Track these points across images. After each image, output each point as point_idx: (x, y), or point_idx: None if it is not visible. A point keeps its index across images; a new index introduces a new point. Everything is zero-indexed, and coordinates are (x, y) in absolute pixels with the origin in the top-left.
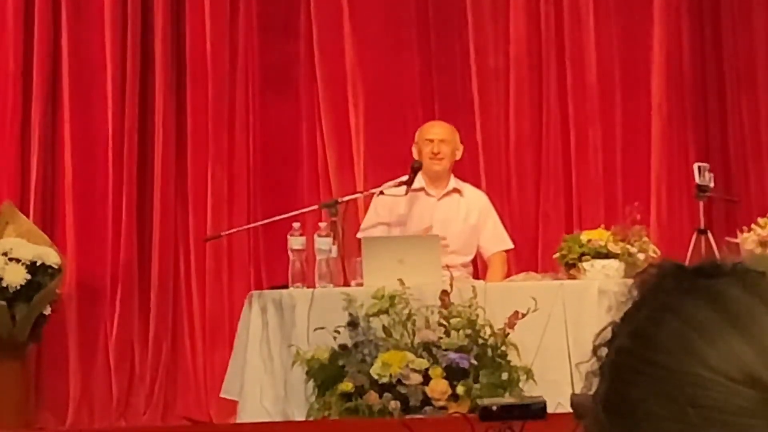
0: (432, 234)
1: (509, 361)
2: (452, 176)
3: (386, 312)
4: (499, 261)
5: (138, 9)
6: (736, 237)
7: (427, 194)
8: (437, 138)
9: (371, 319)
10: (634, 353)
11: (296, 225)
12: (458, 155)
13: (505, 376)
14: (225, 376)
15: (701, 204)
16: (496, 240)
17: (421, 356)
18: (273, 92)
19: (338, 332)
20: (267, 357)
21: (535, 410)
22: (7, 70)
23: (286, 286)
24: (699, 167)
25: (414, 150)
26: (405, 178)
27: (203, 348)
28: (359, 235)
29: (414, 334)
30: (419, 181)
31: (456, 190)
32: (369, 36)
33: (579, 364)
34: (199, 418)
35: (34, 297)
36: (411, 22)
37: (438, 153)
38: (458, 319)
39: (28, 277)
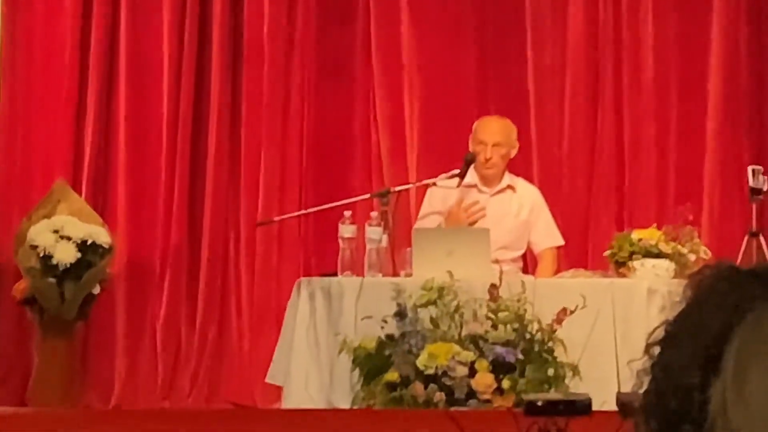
0: (482, 227)
1: (556, 357)
2: (506, 173)
3: (434, 303)
4: (549, 257)
5: None
6: None
7: (480, 191)
8: (491, 142)
9: (419, 309)
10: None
11: (347, 213)
12: (513, 154)
13: (551, 371)
14: (271, 362)
15: (754, 207)
16: (548, 236)
17: (467, 349)
18: (328, 79)
19: (386, 322)
20: (314, 344)
21: (580, 407)
22: (64, 49)
23: (335, 274)
24: (753, 170)
25: (470, 143)
26: (457, 171)
27: (250, 332)
28: (416, 227)
29: (461, 327)
30: (473, 176)
31: (509, 187)
32: (427, 26)
33: (630, 362)
34: (243, 402)
35: (84, 276)
36: (469, 14)
37: (489, 159)
38: (506, 313)
39: (79, 255)
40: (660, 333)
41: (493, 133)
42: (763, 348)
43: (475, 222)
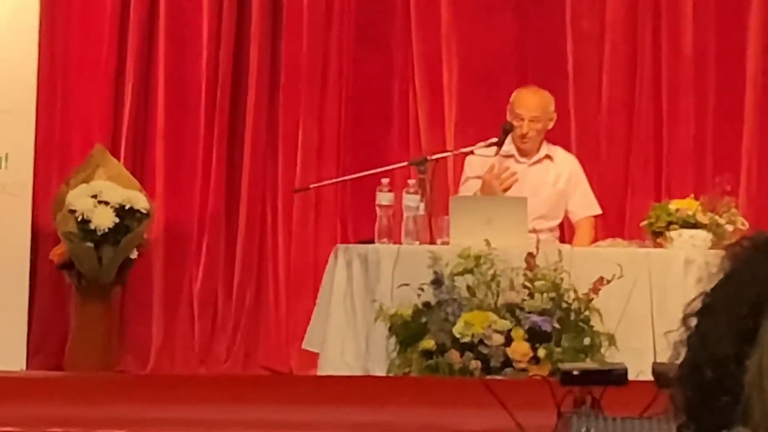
0: (520, 196)
1: (592, 327)
2: (544, 142)
3: (471, 272)
4: (587, 226)
5: None
6: None
7: (517, 161)
8: (528, 116)
9: (456, 278)
10: None
11: (385, 181)
12: (550, 126)
13: (587, 341)
14: (307, 328)
15: None
16: (585, 205)
17: (504, 317)
18: (367, 46)
19: (422, 290)
20: (350, 311)
21: (617, 377)
22: (105, 13)
23: (372, 241)
24: None
25: (508, 113)
26: (495, 139)
27: (287, 299)
28: (459, 192)
29: (498, 295)
30: (510, 146)
31: (547, 156)
32: None
33: (667, 333)
34: (279, 368)
35: (122, 241)
36: None
37: (526, 134)
38: (543, 282)
39: (117, 220)
40: (697, 304)
41: (531, 108)
42: None
43: (508, 188)
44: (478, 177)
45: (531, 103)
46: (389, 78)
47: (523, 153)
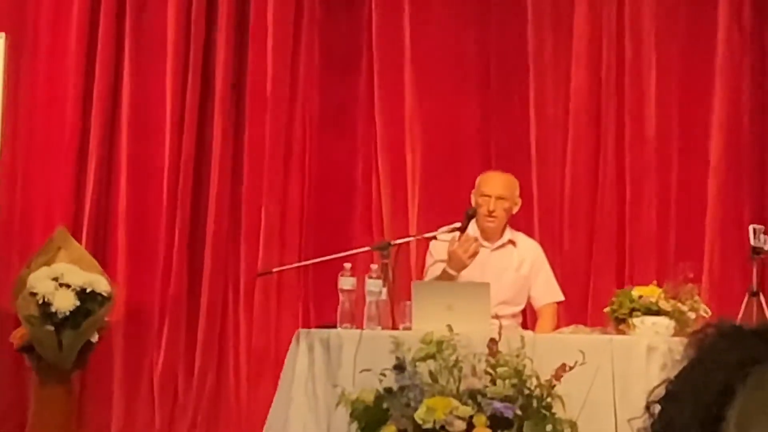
0: (482, 282)
1: (554, 414)
2: (507, 227)
3: (433, 357)
4: (549, 313)
5: (200, 41)
6: None
7: (481, 246)
8: (494, 195)
9: (418, 363)
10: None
11: (347, 265)
12: (515, 210)
13: (549, 428)
14: (269, 412)
15: (755, 265)
16: (548, 292)
17: (466, 403)
18: (331, 130)
19: (384, 375)
20: (312, 396)
21: None
22: (67, 95)
23: (334, 326)
24: (754, 229)
25: (472, 197)
26: (458, 224)
27: (248, 383)
28: (425, 277)
29: (460, 381)
30: (474, 231)
31: (510, 242)
32: (430, 79)
33: (630, 420)
34: None
35: (83, 324)
36: (472, 67)
37: (493, 211)
38: (505, 368)
39: (78, 303)
40: (661, 391)
41: (498, 187)
42: (765, 409)
43: (474, 255)
44: (444, 261)
45: (498, 183)
46: (352, 161)
47: (487, 234)
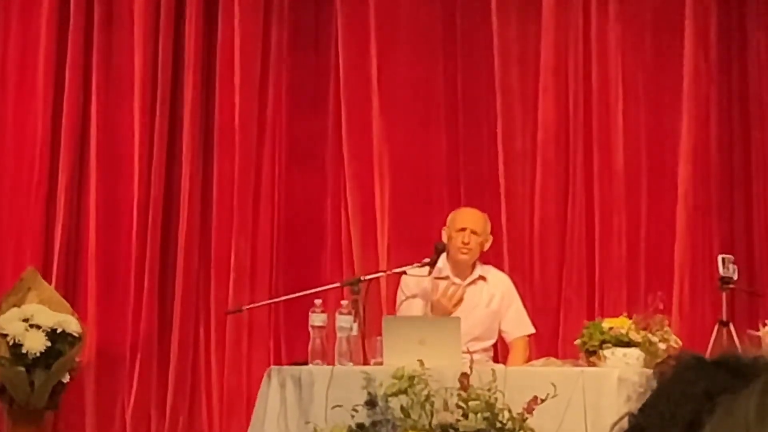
0: (453, 316)
1: None
2: (478, 263)
3: (405, 392)
4: (520, 346)
5: (168, 79)
6: (758, 330)
7: (453, 283)
8: (469, 228)
9: (390, 398)
10: None
11: (318, 302)
12: (486, 246)
13: None
14: None
15: (724, 295)
16: (518, 325)
17: None
18: (299, 167)
19: (356, 411)
20: None
21: None
22: (35, 135)
23: (305, 363)
24: (723, 259)
25: (444, 233)
26: (428, 260)
27: (220, 421)
28: (398, 312)
29: (432, 416)
30: (444, 266)
31: (481, 277)
32: (397, 114)
33: None
34: None
35: (54, 364)
36: (439, 102)
37: (468, 243)
38: (477, 402)
39: (48, 344)
40: (624, 424)
41: (470, 221)
42: None
43: (459, 302)
44: (415, 296)
45: (471, 217)
46: (322, 197)
47: (458, 269)
